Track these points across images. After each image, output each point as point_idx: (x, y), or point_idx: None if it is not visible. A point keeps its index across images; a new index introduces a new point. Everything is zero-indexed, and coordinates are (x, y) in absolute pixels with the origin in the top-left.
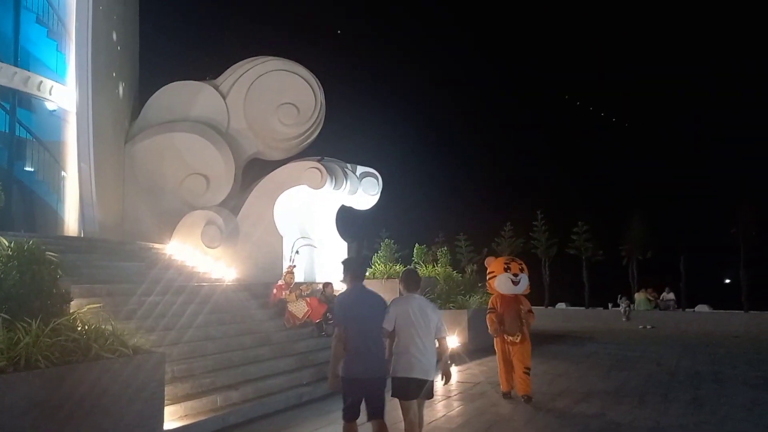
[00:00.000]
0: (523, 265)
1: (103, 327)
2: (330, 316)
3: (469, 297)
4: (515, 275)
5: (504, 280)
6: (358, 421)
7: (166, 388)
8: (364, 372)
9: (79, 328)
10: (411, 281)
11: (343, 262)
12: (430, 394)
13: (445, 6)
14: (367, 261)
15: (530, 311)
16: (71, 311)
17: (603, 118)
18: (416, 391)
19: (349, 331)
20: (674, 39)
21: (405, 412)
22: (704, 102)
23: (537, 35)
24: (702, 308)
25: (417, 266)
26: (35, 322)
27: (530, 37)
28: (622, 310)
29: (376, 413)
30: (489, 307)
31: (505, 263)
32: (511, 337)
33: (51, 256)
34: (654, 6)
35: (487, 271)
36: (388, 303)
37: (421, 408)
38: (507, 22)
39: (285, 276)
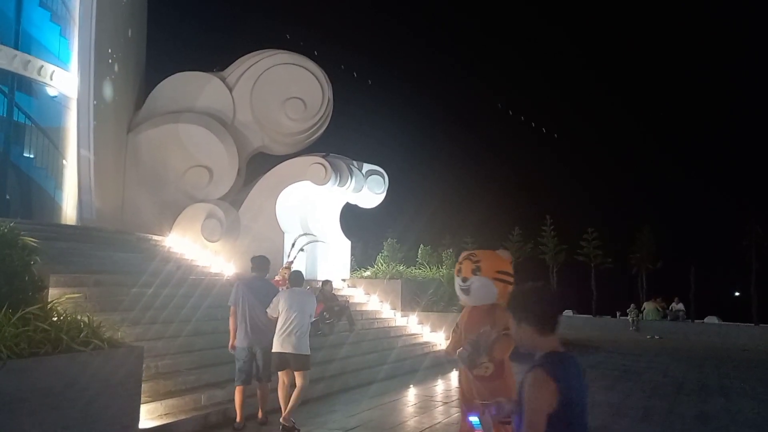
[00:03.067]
0: (485, 262)
1: (80, 318)
2: (327, 315)
3: None
4: (463, 280)
5: (456, 287)
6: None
7: (147, 385)
8: (249, 342)
9: (54, 319)
10: (296, 279)
11: (252, 259)
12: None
13: (457, 5)
14: (268, 260)
15: (506, 334)
16: (49, 300)
17: (615, 123)
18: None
19: (239, 309)
20: (691, 43)
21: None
22: (720, 111)
23: (548, 38)
24: (711, 320)
25: (421, 267)
26: (1, 311)
27: (541, 39)
28: (630, 320)
29: (261, 376)
30: (455, 327)
31: (458, 261)
32: (475, 370)
33: (31, 241)
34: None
35: None
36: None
37: (298, 378)
38: (520, 23)
39: (281, 271)
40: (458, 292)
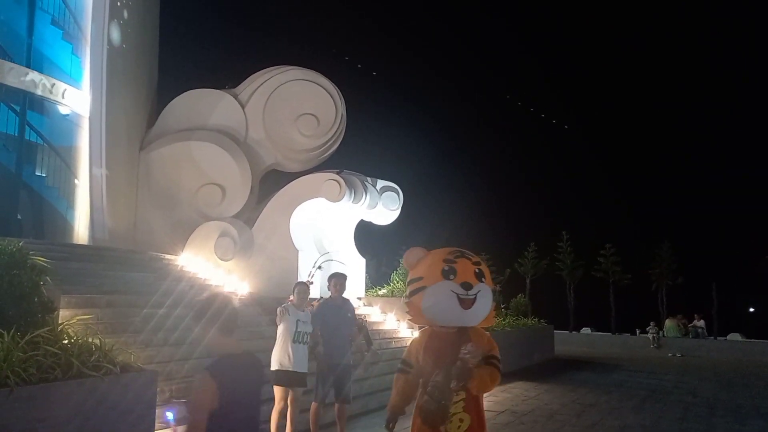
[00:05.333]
0: (484, 266)
1: (91, 341)
2: None
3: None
4: (467, 286)
5: (443, 296)
6: None
7: (161, 410)
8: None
9: (65, 341)
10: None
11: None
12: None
13: (470, 20)
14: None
15: (494, 364)
16: (59, 322)
17: (634, 139)
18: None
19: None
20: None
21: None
22: (743, 125)
23: (567, 52)
24: (734, 337)
25: None
26: (8, 334)
27: (558, 54)
28: (650, 337)
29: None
30: (402, 358)
31: (447, 260)
32: (445, 426)
33: (42, 261)
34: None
35: (408, 276)
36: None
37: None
38: (535, 37)
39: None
40: (448, 300)
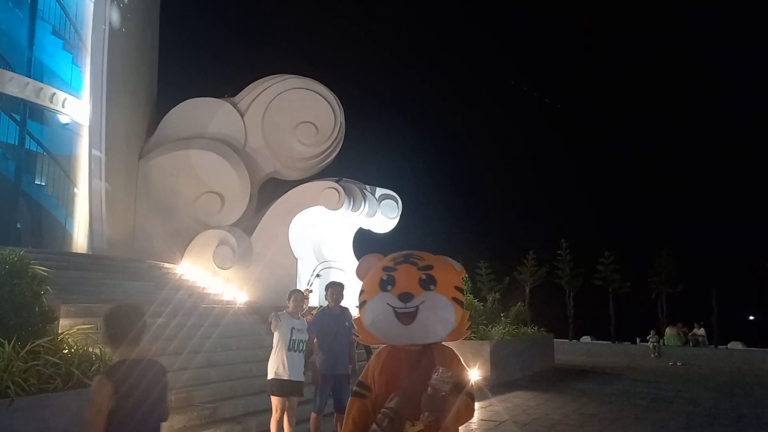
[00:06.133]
0: (441, 270)
1: (91, 350)
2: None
3: (492, 327)
4: (405, 297)
5: (379, 311)
6: None
7: None
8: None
9: (65, 351)
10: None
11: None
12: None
13: (468, 27)
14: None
15: (469, 393)
16: (59, 332)
17: (633, 147)
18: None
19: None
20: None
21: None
22: (740, 133)
23: (566, 59)
24: (735, 345)
25: None
26: (9, 343)
27: (559, 62)
28: (651, 346)
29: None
30: (359, 380)
31: (387, 267)
32: None
33: (42, 270)
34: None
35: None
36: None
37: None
38: (534, 43)
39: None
40: (384, 314)
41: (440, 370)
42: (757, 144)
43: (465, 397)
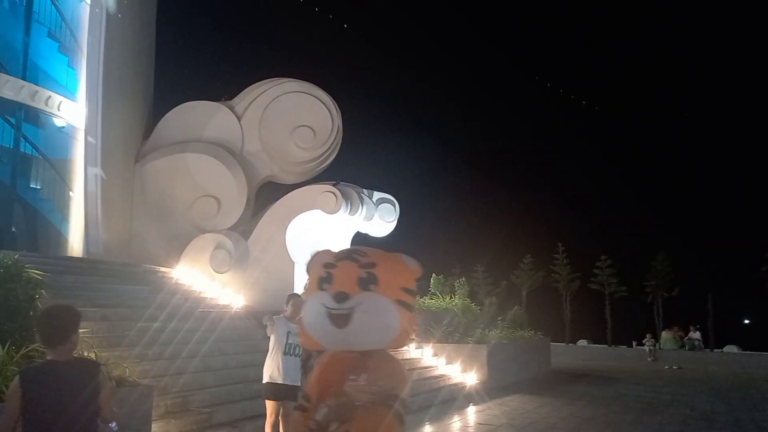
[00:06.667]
0: (385, 268)
1: (87, 354)
2: None
3: (489, 331)
4: (340, 297)
5: (314, 312)
6: None
7: (157, 425)
8: None
9: None
10: None
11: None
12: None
13: (467, 32)
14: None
15: (392, 407)
16: None
17: (629, 148)
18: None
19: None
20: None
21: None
22: (738, 136)
23: (562, 63)
24: (731, 349)
25: (434, 296)
26: (4, 348)
27: (555, 66)
28: (647, 350)
29: None
30: (303, 393)
31: (327, 264)
32: None
33: (37, 275)
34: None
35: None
36: None
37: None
38: (536, 49)
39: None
40: (319, 317)
41: (363, 377)
42: (754, 146)
43: (386, 410)
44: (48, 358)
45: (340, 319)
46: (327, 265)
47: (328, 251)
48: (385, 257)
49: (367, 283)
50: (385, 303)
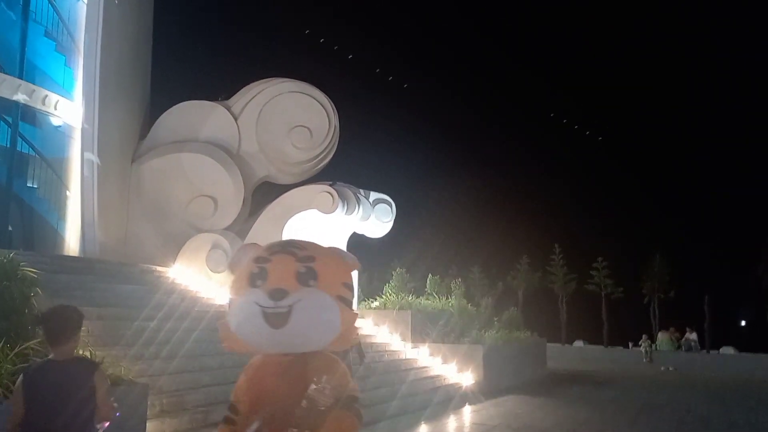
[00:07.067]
0: (324, 263)
1: (82, 353)
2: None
3: (485, 332)
4: (277, 294)
5: (246, 311)
6: None
7: (152, 424)
8: None
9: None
10: None
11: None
12: None
13: (464, 32)
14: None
15: (354, 409)
16: None
17: (626, 153)
18: None
19: None
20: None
21: None
22: (736, 136)
23: (557, 66)
24: (727, 350)
25: (430, 297)
26: None
27: (553, 69)
28: (643, 351)
29: None
30: (230, 404)
31: (260, 258)
32: None
33: (32, 273)
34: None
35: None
36: None
37: None
38: (533, 52)
39: None
40: (252, 317)
41: (323, 379)
42: (752, 147)
43: (349, 413)
44: (50, 357)
45: (277, 319)
46: (259, 260)
47: (255, 245)
48: (323, 251)
49: (307, 278)
50: (326, 299)
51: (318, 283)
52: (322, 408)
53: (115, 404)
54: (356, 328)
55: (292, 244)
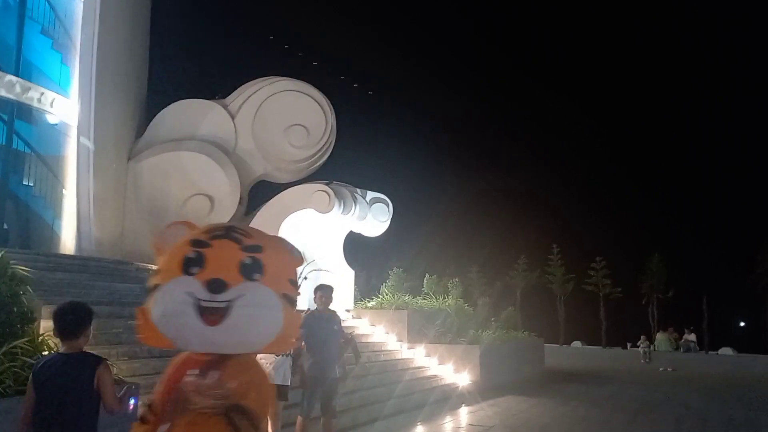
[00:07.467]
0: (271, 254)
1: None
2: None
3: (482, 331)
4: (216, 286)
5: (176, 302)
6: None
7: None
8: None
9: (44, 352)
10: None
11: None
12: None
13: (464, 32)
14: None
15: (233, 422)
16: (40, 333)
17: (625, 153)
18: None
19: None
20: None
21: None
22: (734, 137)
23: (553, 65)
24: (726, 351)
25: (427, 297)
26: None
27: (548, 66)
28: (641, 351)
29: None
30: (149, 401)
31: (196, 241)
32: None
33: (23, 270)
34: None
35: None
36: None
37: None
38: (532, 52)
39: None
40: (170, 311)
41: (209, 374)
42: (752, 148)
43: (227, 427)
44: (61, 350)
45: (213, 315)
46: (197, 243)
47: (190, 223)
48: (271, 241)
49: (251, 270)
50: (270, 297)
51: (263, 278)
52: (192, 407)
53: (131, 398)
54: (297, 331)
55: (236, 229)
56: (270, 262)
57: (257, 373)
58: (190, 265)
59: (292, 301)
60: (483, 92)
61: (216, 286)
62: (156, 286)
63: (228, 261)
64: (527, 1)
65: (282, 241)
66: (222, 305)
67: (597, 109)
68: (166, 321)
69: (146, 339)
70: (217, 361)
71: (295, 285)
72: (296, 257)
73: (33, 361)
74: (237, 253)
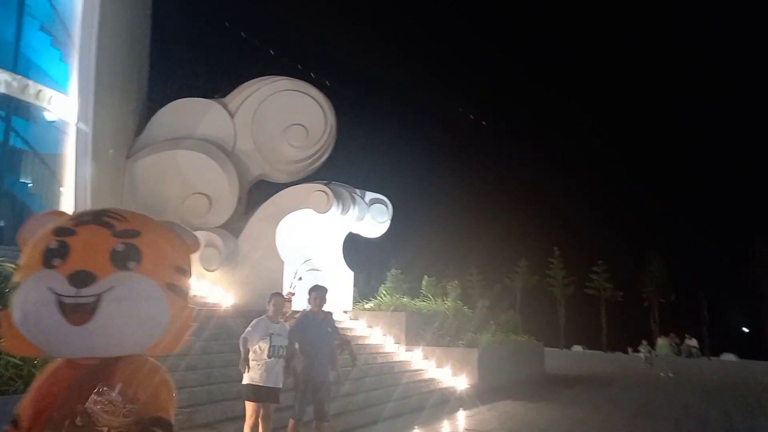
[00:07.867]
0: (149, 240)
1: None
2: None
3: (480, 334)
4: (80, 279)
5: (35, 300)
6: None
7: None
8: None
9: None
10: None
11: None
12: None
13: (464, 33)
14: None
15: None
16: None
17: (628, 157)
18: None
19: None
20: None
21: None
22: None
23: (553, 68)
24: (728, 357)
25: (425, 299)
26: None
27: (546, 71)
28: (642, 356)
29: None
30: (17, 412)
31: (60, 230)
32: None
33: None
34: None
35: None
36: None
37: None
38: (532, 53)
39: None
40: (30, 312)
41: (118, 389)
42: (751, 149)
43: None
44: None
45: (78, 312)
46: (60, 231)
47: (57, 211)
48: (152, 224)
49: (126, 258)
50: (149, 287)
51: (140, 266)
52: (103, 429)
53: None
54: (189, 327)
55: (108, 212)
56: (149, 248)
57: (158, 374)
58: (51, 257)
59: (181, 292)
60: (483, 92)
61: (80, 278)
62: (16, 284)
63: (96, 249)
64: (527, 1)
65: (169, 224)
66: (88, 300)
67: (597, 109)
68: (27, 323)
69: (11, 347)
70: (98, 368)
71: (184, 273)
72: (189, 242)
73: (18, 361)
74: (108, 239)
